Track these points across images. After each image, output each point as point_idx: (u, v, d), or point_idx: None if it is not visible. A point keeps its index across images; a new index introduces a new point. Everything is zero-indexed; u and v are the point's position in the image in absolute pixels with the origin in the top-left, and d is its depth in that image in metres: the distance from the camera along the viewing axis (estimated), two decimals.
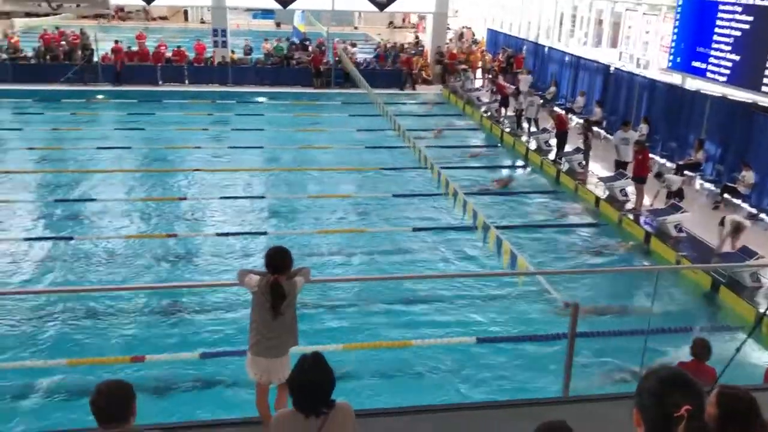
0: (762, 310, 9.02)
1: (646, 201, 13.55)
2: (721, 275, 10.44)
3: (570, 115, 20.50)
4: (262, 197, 14.67)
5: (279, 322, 4.75)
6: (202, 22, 47.99)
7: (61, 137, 19.44)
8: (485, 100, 24.30)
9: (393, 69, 28.22)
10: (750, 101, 14.52)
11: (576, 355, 5.90)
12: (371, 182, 15.98)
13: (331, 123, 22.05)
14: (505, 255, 10.24)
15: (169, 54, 27.37)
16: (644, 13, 22.90)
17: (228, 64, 26.90)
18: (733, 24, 15.19)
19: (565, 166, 16.48)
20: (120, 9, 47.18)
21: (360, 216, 13.69)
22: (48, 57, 26.55)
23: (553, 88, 23.61)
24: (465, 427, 5.21)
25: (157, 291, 10.24)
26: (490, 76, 27.45)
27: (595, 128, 18.47)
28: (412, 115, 23.37)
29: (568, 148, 17.18)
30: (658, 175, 13.62)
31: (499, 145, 20.15)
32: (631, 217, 13.18)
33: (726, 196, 13.79)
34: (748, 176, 13.29)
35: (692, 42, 16.88)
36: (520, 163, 18.42)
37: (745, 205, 13.45)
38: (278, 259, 4.75)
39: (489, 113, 22.76)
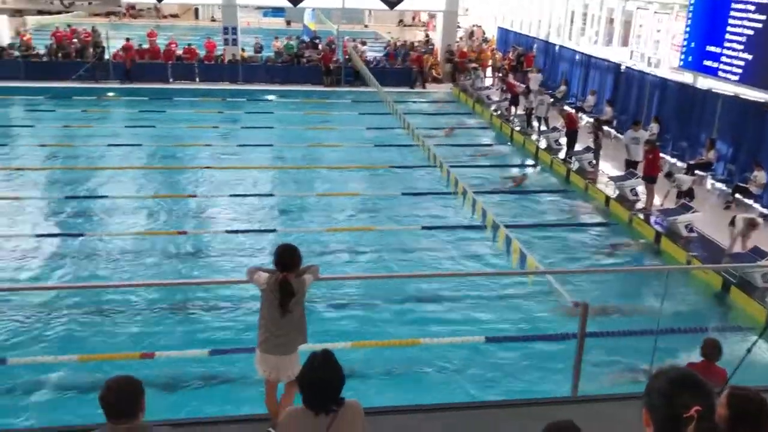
0: None
1: (657, 201, 13.48)
2: (732, 275, 10.38)
3: (580, 114, 20.43)
4: (272, 195, 14.70)
5: (288, 319, 4.76)
6: (213, 20, 48.15)
7: (73, 134, 19.54)
8: (495, 98, 24.24)
9: (403, 67, 28.20)
10: (762, 100, 14.40)
11: (585, 353, 5.88)
12: (380, 180, 15.98)
13: (340, 121, 22.06)
14: (515, 254, 10.22)
15: (179, 52, 27.48)
16: (656, 12, 22.77)
17: (238, 62, 26.96)
18: (746, 23, 15.07)
19: (575, 165, 16.42)
20: (131, 7, 47.38)
21: (369, 214, 13.70)
22: (60, 55, 26.71)
23: (563, 87, 23.53)
24: (473, 426, 5.21)
25: (166, 288, 10.30)
26: (501, 74, 27.38)
27: (605, 127, 18.39)
28: (422, 113, 23.34)
29: (578, 147, 17.13)
30: (669, 175, 13.55)
31: (509, 143, 20.10)
32: (641, 216, 13.12)
33: (737, 196, 13.70)
34: (760, 176, 13.19)
35: (704, 41, 16.76)
36: (530, 162, 18.36)
37: (756, 206, 13.35)
38: (287, 257, 4.76)
39: (499, 112, 22.71)
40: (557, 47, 26.26)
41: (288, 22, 46.48)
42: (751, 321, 9.52)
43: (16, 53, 26.32)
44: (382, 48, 33.03)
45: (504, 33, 33.24)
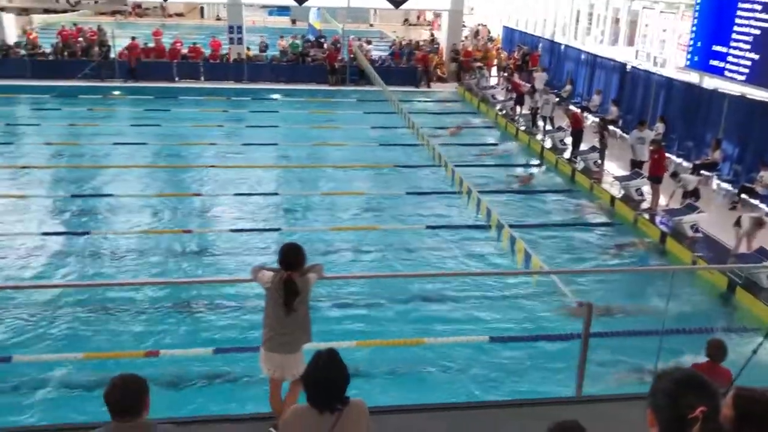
0: None
1: (662, 201, 13.45)
2: (737, 276, 10.35)
3: (586, 114, 20.39)
4: (276, 194, 14.72)
5: (292, 318, 4.76)
6: (218, 18, 48.22)
7: (78, 133, 19.59)
8: (500, 98, 24.21)
9: (408, 66, 28.19)
10: None
11: (589, 353, 5.86)
12: (385, 180, 15.98)
13: (345, 120, 22.06)
14: (519, 254, 10.21)
15: (185, 51, 27.52)
16: (662, 11, 22.69)
17: (243, 61, 26.98)
18: (752, 22, 15.00)
19: (580, 165, 16.39)
20: (137, 6, 47.47)
21: (373, 213, 13.70)
22: (66, 53, 26.81)
23: (568, 87, 23.49)
24: (477, 426, 5.20)
25: (171, 286, 10.32)
26: (506, 74, 27.35)
27: (611, 127, 18.35)
28: (427, 112, 23.33)
29: (583, 146, 17.11)
30: (674, 175, 13.51)
31: (514, 141, 20.07)
32: (646, 216, 13.09)
33: (743, 196, 13.66)
34: (767, 176, 13.15)
35: (710, 40, 16.70)
36: (535, 161, 18.32)
37: (762, 206, 13.30)
38: (291, 256, 4.76)
39: (504, 111, 22.68)
40: (563, 46, 26.22)
41: (293, 21, 46.51)
42: (756, 322, 9.49)
43: (23, 52, 26.42)
44: (387, 47, 33.03)
45: (509, 32, 33.20)
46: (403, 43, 31.28)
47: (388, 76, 24.80)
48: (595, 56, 22.66)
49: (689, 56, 17.85)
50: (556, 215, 14.03)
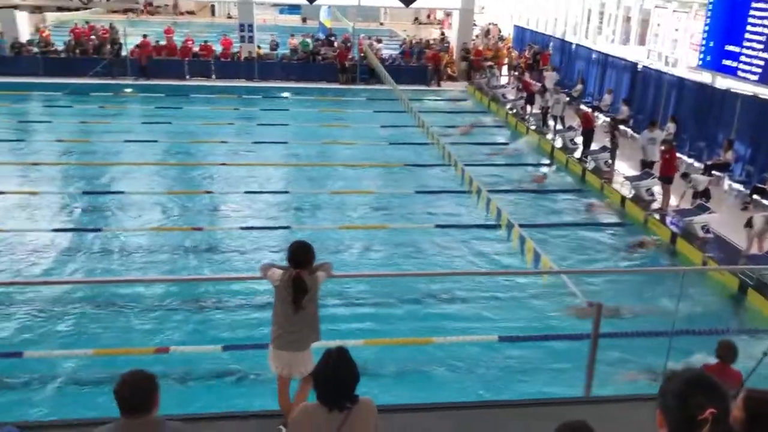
0: None
1: (673, 201, 13.38)
2: (749, 277, 10.28)
3: (596, 113, 20.30)
4: (286, 192, 14.75)
5: (300, 316, 4.77)
6: (229, 17, 48.39)
7: (90, 130, 19.71)
8: (511, 97, 24.15)
9: (418, 65, 28.17)
10: None
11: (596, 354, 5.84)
12: (394, 178, 15.98)
13: (355, 119, 22.07)
14: (529, 253, 10.19)
15: (196, 49, 27.62)
16: (674, 11, 22.57)
17: (254, 59, 27.04)
18: (766, 22, 14.90)
19: (591, 165, 16.32)
20: (148, 3, 47.76)
21: (382, 212, 13.70)
22: (78, 51, 26.97)
23: (579, 86, 23.40)
24: (485, 425, 5.20)
25: (181, 283, 10.37)
26: (516, 73, 27.28)
27: (621, 127, 18.26)
28: (437, 111, 23.31)
29: (594, 146, 17.04)
30: (684, 176, 13.44)
31: (526, 139, 20.02)
32: (657, 217, 13.02)
33: (755, 197, 13.56)
34: None
35: (723, 40, 16.59)
36: (545, 160, 18.27)
37: None
38: (301, 254, 4.77)
39: (514, 110, 22.62)
40: (573, 46, 26.11)
41: (304, 20, 46.59)
42: None
43: (35, 49, 26.60)
44: (398, 46, 33.01)
45: (520, 31, 33.10)
46: (414, 41, 31.26)
47: (398, 74, 24.79)
48: (607, 55, 22.55)
49: (701, 56, 17.75)
50: (566, 215, 13.98)
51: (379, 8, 48.09)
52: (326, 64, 27.51)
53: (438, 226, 12.79)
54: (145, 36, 27.50)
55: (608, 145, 16.44)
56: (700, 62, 17.84)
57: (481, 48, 30.10)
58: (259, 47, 28.06)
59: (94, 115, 21.33)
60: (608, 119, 18.69)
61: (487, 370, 8.07)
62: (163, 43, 28.04)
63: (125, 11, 43.51)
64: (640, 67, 20.26)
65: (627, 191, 14.41)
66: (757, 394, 2.55)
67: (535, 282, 10.56)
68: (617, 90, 21.01)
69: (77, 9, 39.82)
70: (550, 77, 23.78)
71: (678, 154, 14.51)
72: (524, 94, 22.46)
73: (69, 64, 26.01)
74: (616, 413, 5.23)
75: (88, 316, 9.06)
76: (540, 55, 27.89)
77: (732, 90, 15.79)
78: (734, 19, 16.05)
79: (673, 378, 2.16)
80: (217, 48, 28.03)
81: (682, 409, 2.07)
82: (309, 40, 29.54)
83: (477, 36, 34.21)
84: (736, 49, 15.96)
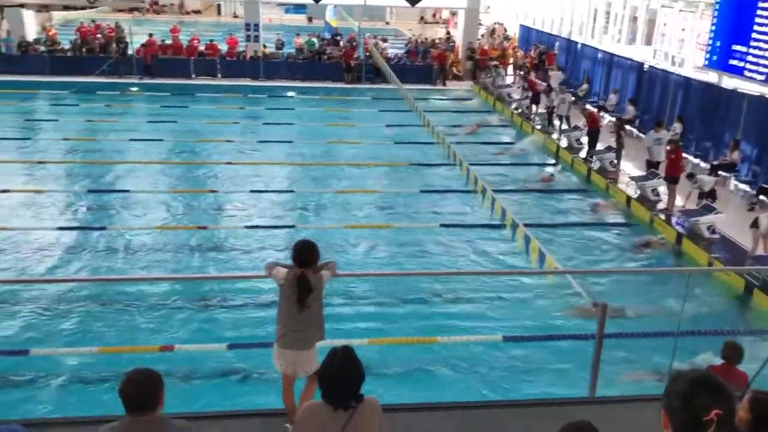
0: None
1: (679, 201, 13.33)
2: (755, 278, 10.23)
3: (602, 113, 20.26)
4: (291, 191, 14.76)
5: (305, 315, 4.77)
6: (235, 16, 48.44)
7: (96, 128, 19.76)
8: (516, 96, 24.12)
9: (423, 64, 28.16)
10: None
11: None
12: (399, 178, 15.97)
13: (360, 118, 22.07)
14: (533, 253, 10.18)
15: (201, 48, 27.65)
16: (681, 10, 22.50)
17: (260, 58, 27.07)
18: None
19: (596, 165, 16.29)
20: (154, 2, 47.82)
21: (387, 211, 13.69)
22: (84, 50, 27.05)
23: (585, 86, 23.35)
24: (489, 425, 5.19)
25: (185, 282, 10.39)
26: (522, 72, 27.24)
27: (627, 127, 18.21)
28: (443, 111, 23.29)
29: (599, 146, 17.00)
30: (690, 176, 13.39)
31: (532, 137, 20.00)
32: (662, 217, 12.98)
33: (762, 197, 13.50)
34: None
35: (730, 40, 16.53)
36: (551, 160, 18.24)
37: None
38: (305, 253, 4.77)
39: (520, 110, 22.59)
40: (579, 45, 26.06)
41: (309, 19, 46.59)
42: None
43: (42, 48, 26.69)
44: (403, 45, 32.99)
45: (526, 31, 33.04)
46: (419, 41, 31.24)
47: (403, 74, 24.77)
48: (612, 55, 22.50)
49: (708, 56, 17.69)
50: (571, 215, 13.94)
51: (385, 7, 48.06)
52: (332, 64, 27.52)
53: (443, 225, 12.79)
54: (150, 35, 27.55)
55: (614, 145, 16.40)
56: (707, 62, 17.78)
57: (486, 47, 30.05)
58: (264, 46, 28.09)
59: (100, 114, 21.39)
60: (614, 119, 18.64)
61: (491, 370, 8.06)
62: (168, 42, 28.08)
63: (131, 10, 43.56)
64: (646, 66, 20.20)
65: (632, 191, 14.37)
66: (763, 395, 2.54)
67: (540, 282, 10.55)
68: (623, 90, 20.95)
69: (83, 8, 39.81)
70: (556, 77, 23.73)
71: (684, 154, 14.46)
72: (530, 94, 22.42)
73: (75, 62, 26.08)
74: (620, 414, 5.22)
75: (93, 314, 9.08)
76: (545, 55, 27.84)
77: (739, 90, 15.73)
78: (741, 18, 15.99)
79: (679, 378, 2.15)
80: (223, 47, 28.06)
81: (687, 410, 2.06)
82: (314, 40, 29.55)
83: (482, 35, 34.16)
84: (743, 49, 15.90)
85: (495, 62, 28.13)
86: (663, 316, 9.02)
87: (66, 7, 37.83)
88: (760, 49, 15.25)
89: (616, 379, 7.37)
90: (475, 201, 13.89)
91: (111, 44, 27.29)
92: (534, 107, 21.86)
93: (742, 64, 15.98)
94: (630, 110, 19.37)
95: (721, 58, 16.98)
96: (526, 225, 11.22)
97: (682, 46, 22.60)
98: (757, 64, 15.40)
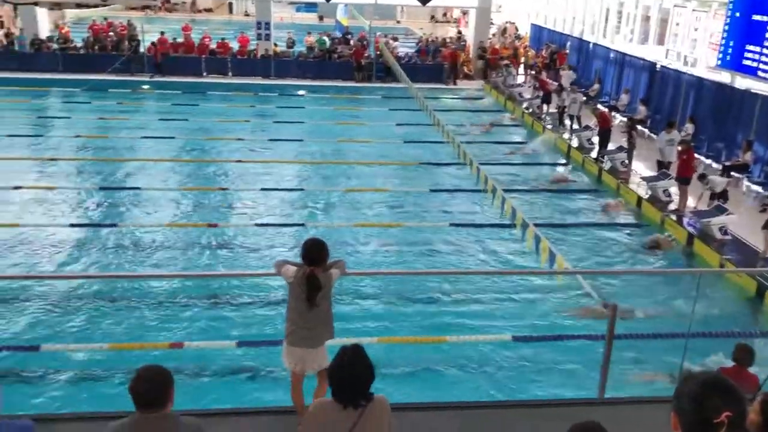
0: None
1: (690, 202, 13.25)
2: (767, 280, 10.16)
3: (613, 113, 20.16)
4: (301, 189, 14.78)
5: (314, 313, 4.78)
6: (246, 14, 48.56)
7: (107, 126, 19.86)
8: (527, 96, 24.05)
9: (434, 63, 28.12)
10: None
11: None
12: (409, 177, 15.96)
13: (371, 117, 22.08)
14: (543, 253, 10.14)
15: (213, 46, 27.73)
16: (694, 10, 22.35)
17: (271, 56, 27.11)
18: None
19: (607, 165, 16.22)
20: (166, 1, 48.00)
21: (397, 210, 13.69)
22: (96, 47, 27.18)
23: (596, 85, 23.25)
24: (497, 426, 5.18)
25: (195, 279, 10.43)
26: (534, 72, 27.16)
27: (639, 127, 18.11)
28: (453, 110, 23.26)
29: (610, 146, 16.92)
30: (701, 177, 13.31)
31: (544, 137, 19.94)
32: (673, 218, 12.91)
33: None
34: None
35: (743, 39, 16.41)
36: (561, 160, 18.17)
37: None
38: (315, 252, 4.77)
39: (531, 109, 22.53)
40: (591, 45, 25.95)
41: (320, 18, 46.64)
42: None
43: (55, 46, 26.83)
44: (414, 44, 32.96)
45: (537, 30, 32.93)
46: (430, 40, 31.20)
47: (414, 73, 24.74)
48: (624, 55, 22.39)
49: (721, 55, 17.57)
50: (581, 215, 13.89)
51: (396, 6, 48.02)
52: (342, 62, 27.53)
53: (452, 224, 12.77)
54: (162, 33, 27.66)
55: (625, 145, 16.32)
56: (720, 62, 17.66)
57: (497, 47, 29.98)
58: (275, 45, 28.13)
59: (112, 111, 21.50)
60: (625, 119, 18.55)
61: (499, 370, 8.04)
62: (180, 40, 28.17)
63: (143, 8, 43.74)
64: (658, 66, 20.09)
65: (643, 192, 14.29)
66: None
67: (551, 282, 10.51)
68: (635, 90, 20.85)
69: (96, 6, 40.14)
70: (567, 76, 23.64)
71: (696, 155, 14.37)
72: (541, 93, 22.36)
73: (87, 60, 26.23)
74: (629, 415, 5.20)
75: (103, 310, 9.13)
76: (557, 54, 27.74)
77: (752, 90, 15.62)
78: (755, 18, 15.86)
79: (689, 380, 2.13)
80: (234, 45, 28.13)
81: (697, 412, 2.05)
82: (325, 38, 29.58)
83: (494, 34, 34.07)
84: (757, 49, 15.78)
85: (506, 61, 28.07)
86: (674, 318, 8.97)
87: (79, 5, 38.12)
88: None
89: (625, 379, 7.34)
90: (485, 200, 13.86)
91: (123, 42, 27.42)
92: (545, 107, 21.80)
93: (755, 64, 15.86)
94: (641, 110, 19.27)
95: (734, 58, 16.86)
96: (536, 225, 11.18)
97: (694, 46, 22.43)
98: None
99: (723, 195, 12.87)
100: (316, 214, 13.41)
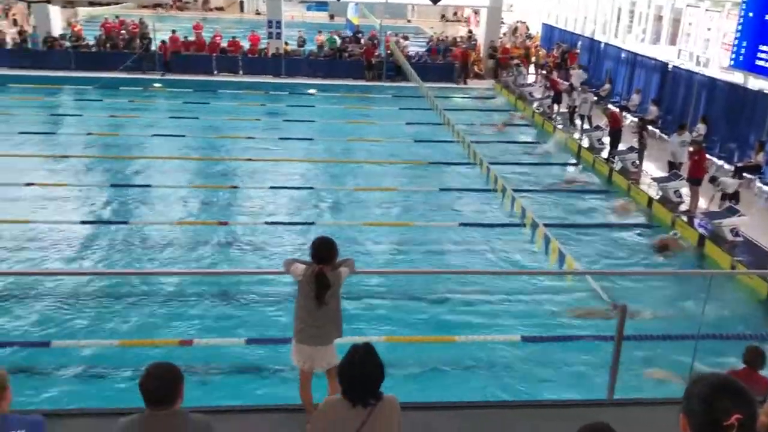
0: None
1: (702, 203, 13.17)
2: None
3: (624, 113, 20.07)
4: (311, 188, 14.80)
5: (323, 311, 4.79)
6: (257, 13, 48.67)
7: (119, 124, 19.96)
8: (538, 95, 23.98)
9: (444, 63, 28.08)
10: None
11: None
12: (419, 176, 15.95)
13: (381, 116, 22.09)
14: (553, 254, 10.11)
15: (224, 44, 27.79)
16: (707, 10, 22.20)
17: (282, 55, 27.16)
18: None
19: (618, 165, 16.14)
20: None
21: (406, 209, 13.68)
22: (108, 45, 27.30)
23: (607, 85, 23.16)
24: (506, 426, 5.18)
25: (205, 276, 10.47)
26: (544, 71, 27.07)
27: (650, 127, 18.02)
28: (463, 109, 23.23)
29: (621, 146, 16.85)
30: (713, 179, 13.22)
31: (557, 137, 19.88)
32: (684, 219, 12.84)
33: None
34: None
35: (756, 40, 16.29)
36: (572, 160, 18.11)
37: None
38: (324, 250, 4.78)
39: (541, 109, 22.46)
40: (602, 45, 25.84)
41: (331, 16, 46.70)
42: None
43: (67, 44, 26.98)
44: (425, 43, 32.92)
45: (548, 29, 32.82)
46: (440, 39, 31.16)
47: (424, 72, 24.71)
48: (636, 55, 22.28)
49: (734, 56, 17.45)
50: (592, 215, 13.84)
51: (407, 5, 47.97)
52: (353, 61, 27.53)
53: (462, 224, 12.75)
54: (174, 31, 27.75)
55: (636, 145, 16.24)
56: (732, 62, 17.54)
57: (508, 46, 29.90)
58: (286, 43, 28.16)
59: (123, 109, 21.61)
60: (636, 119, 18.46)
61: (508, 370, 8.03)
62: (191, 38, 28.26)
63: (155, 6, 43.93)
64: (670, 66, 19.97)
65: (654, 192, 14.22)
66: None
67: (560, 282, 10.48)
68: (646, 90, 20.74)
69: (108, 4, 40.38)
70: (578, 76, 23.56)
71: (708, 156, 14.28)
72: (551, 93, 22.29)
73: (99, 58, 26.37)
74: (639, 416, 5.18)
75: (113, 307, 9.18)
76: (568, 54, 27.64)
77: (765, 91, 15.51)
78: None
79: (699, 382, 2.12)
80: (245, 44, 28.19)
81: (707, 414, 2.03)
82: (336, 37, 29.59)
83: (504, 34, 33.99)
84: None
85: (516, 61, 28.00)
86: (684, 319, 8.92)
87: (91, 3, 38.36)
88: None
89: (635, 378, 7.31)
90: (495, 200, 13.83)
91: (135, 40, 27.55)
92: (555, 106, 21.73)
93: None
94: (653, 110, 19.17)
95: (747, 58, 16.74)
96: (546, 225, 11.14)
97: (707, 46, 22.28)
98: None
99: (734, 196, 12.78)
100: (325, 213, 13.43)
